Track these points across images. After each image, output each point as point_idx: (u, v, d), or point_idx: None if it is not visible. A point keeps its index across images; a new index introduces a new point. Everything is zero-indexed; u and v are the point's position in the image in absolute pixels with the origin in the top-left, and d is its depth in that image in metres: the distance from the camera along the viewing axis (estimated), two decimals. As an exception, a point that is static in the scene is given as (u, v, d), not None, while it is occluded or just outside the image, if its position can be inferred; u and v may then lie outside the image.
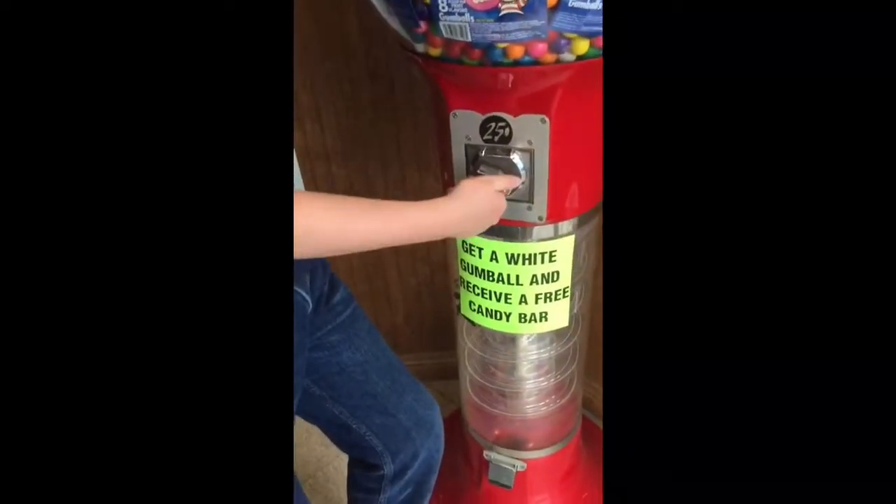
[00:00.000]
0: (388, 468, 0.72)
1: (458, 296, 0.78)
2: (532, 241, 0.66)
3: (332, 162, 1.04)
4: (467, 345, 0.86)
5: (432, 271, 1.20)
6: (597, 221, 0.71)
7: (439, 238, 0.51)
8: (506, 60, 0.51)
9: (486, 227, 0.56)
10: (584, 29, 0.47)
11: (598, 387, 1.20)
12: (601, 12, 0.46)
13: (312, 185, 1.06)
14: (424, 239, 0.48)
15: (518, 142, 0.57)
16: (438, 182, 0.98)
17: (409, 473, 0.74)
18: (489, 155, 0.59)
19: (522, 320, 0.72)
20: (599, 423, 1.20)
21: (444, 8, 0.46)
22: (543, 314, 0.72)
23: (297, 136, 1.00)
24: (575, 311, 0.77)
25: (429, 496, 0.80)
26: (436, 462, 0.76)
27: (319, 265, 0.63)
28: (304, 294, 0.58)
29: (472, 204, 0.51)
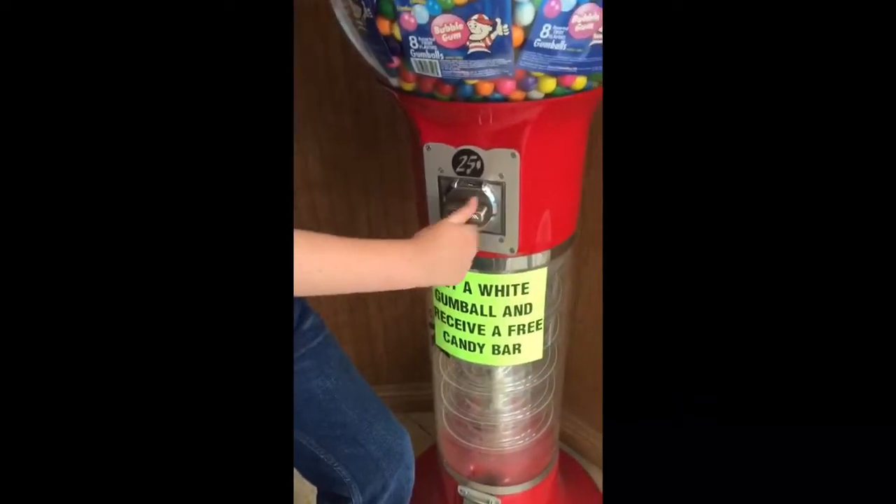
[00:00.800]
0: (357, 499, 0.70)
1: (432, 326, 0.77)
2: (505, 272, 0.66)
3: (315, 189, 1.05)
4: (443, 377, 0.85)
5: (412, 302, 1.20)
6: (570, 254, 0.72)
7: (413, 285, 0.50)
8: (476, 96, 0.52)
9: (468, 259, 0.55)
10: (551, 68, 0.49)
11: (578, 421, 1.18)
12: (568, 52, 0.48)
13: (295, 214, 1.07)
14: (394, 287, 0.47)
15: (489, 174, 0.58)
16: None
17: None
18: (461, 187, 0.60)
19: (496, 352, 0.72)
20: (579, 459, 1.18)
21: (414, 45, 0.47)
22: (517, 346, 0.72)
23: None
24: (549, 343, 0.77)
25: None
26: (406, 493, 0.74)
27: None
28: None
29: (438, 245, 0.52)
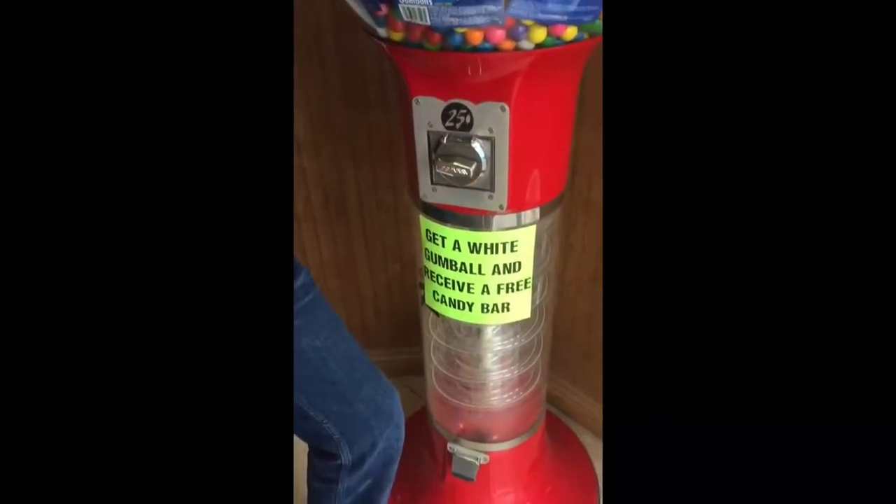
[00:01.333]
0: (346, 457, 0.71)
1: (422, 286, 0.78)
2: (494, 230, 0.66)
3: (304, 152, 1.04)
4: (433, 337, 0.86)
5: (403, 268, 1.20)
6: (559, 213, 0.72)
7: None
8: (466, 46, 0.51)
9: None
10: (542, 17, 0.48)
11: (565, 383, 1.21)
12: (559, 1, 0.47)
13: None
14: None
15: (479, 129, 0.58)
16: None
17: (368, 464, 0.73)
18: (451, 142, 0.59)
19: (485, 310, 0.73)
20: (565, 420, 1.21)
21: (403, -9, 0.46)
22: (506, 304, 0.72)
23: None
24: (538, 302, 0.77)
25: (389, 488, 0.80)
26: (395, 452, 0.76)
27: None
28: None
29: None
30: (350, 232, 1.14)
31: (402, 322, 1.28)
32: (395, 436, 0.75)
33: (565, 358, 1.16)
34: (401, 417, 0.75)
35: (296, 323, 0.64)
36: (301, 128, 1.01)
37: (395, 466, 0.78)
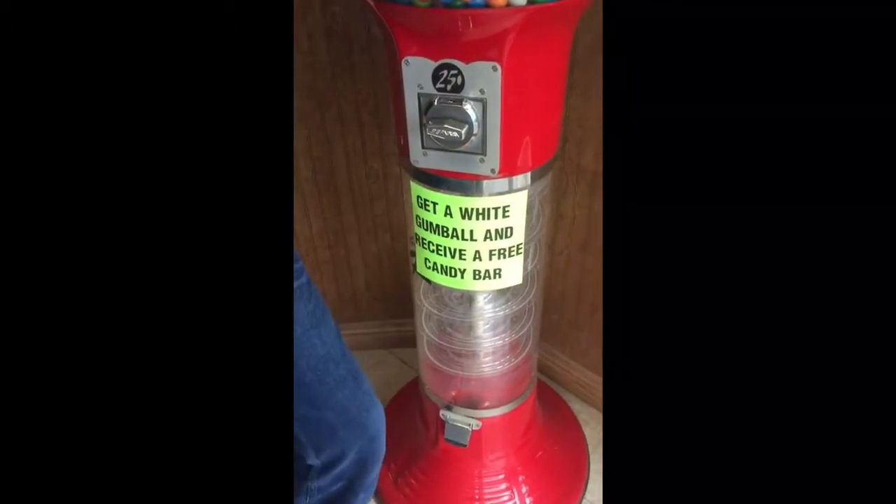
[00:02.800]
0: (313, 460, 0.68)
1: (413, 254, 0.78)
2: (486, 195, 0.66)
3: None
4: (424, 306, 0.86)
5: (393, 238, 1.20)
6: (550, 179, 0.72)
7: None
8: (456, 2, 0.50)
9: None
10: (534, -29, 0.47)
11: (555, 352, 1.22)
12: (551, -46, 0.46)
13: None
14: None
15: (470, 91, 0.57)
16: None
17: (339, 469, 0.69)
18: (442, 104, 0.58)
19: (477, 277, 0.73)
20: (555, 388, 1.23)
21: (391, -58, 0.45)
22: (498, 271, 0.72)
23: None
24: (529, 269, 0.78)
25: (366, 493, 0.76)
26: (371, 462, 0.71)
27: None
28: None
29: None
30: (339, 203, 1.12)
31: (393, 293, 1.28)
32: (369, 448, 0.70)
33: (555, 326, 1.17)
34: (378, 430, 0.70)
35: None
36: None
37: (373, 475, 0.73)
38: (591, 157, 0.93)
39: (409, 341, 1.17)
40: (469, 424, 0.91)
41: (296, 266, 0.61)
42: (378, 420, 0.70)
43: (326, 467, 0.69)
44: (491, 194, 0.66)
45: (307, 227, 1.15)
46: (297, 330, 0.61)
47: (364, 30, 0.93)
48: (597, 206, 0.97)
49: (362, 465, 0.71)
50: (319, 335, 0.63)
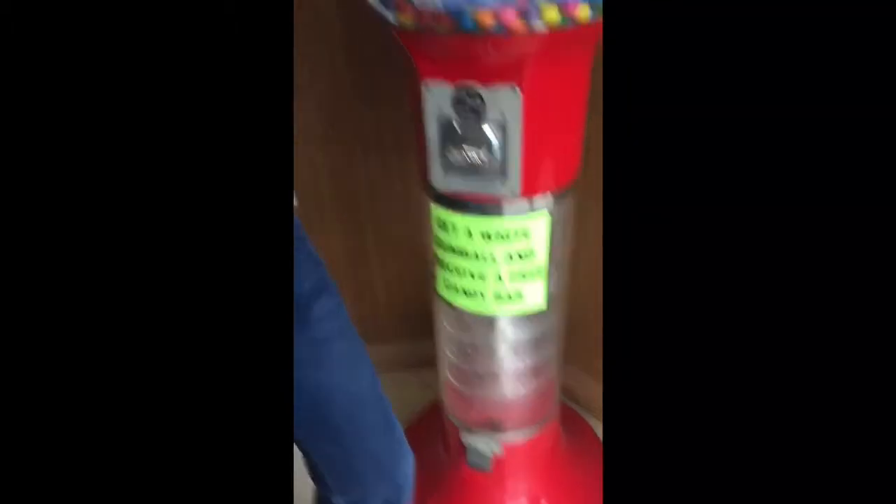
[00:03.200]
0: (337, 500, 0.65)
1: (434, 275, 0.77)
2: (507, 216, 0.66)
3: (313, 144, 1.03)
4: (445, 327, 0.86)
5: (414, 257, 1.20)
6: (571, 200, 0.71)
7: None
8: (477, 29, 0.50)
9: None
10: (554, -5, 0.47)
11: (579, 374, 1.20)
12: (571, -21, 0.46)
13: (295, 170, 1.05)
14: None
15: (491, 114, 0.57)
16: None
17: None
18: (462, 128, 0.59)
19: (498, 299, 0.72)
20: (579, 411, 1.20)
21: (412, -29, 0.46)
22: (519, 293, 0.72)
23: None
24: (552, 291, 0.77)
25: None
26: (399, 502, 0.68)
27: (306, 255, 0.56)
28: None
29: None
30: (360, 223, 1.13)
31: (414, 313, 1.28)
32: (395, 496, 0.67)
33: (579, 349, 1.15)
34: (407, 481, 0.67)
35: (305, 351, 0.54)
36: (312, 120, 1.01)
37: None
38: (614, 177, 0.92)
39: (431, 362, 1.17)
40: (491, 448, 0.90)
41: (332, 302, 0.59)
42: (407, 471, 0.67)
43: None
44: (511, 216, 0.65)
45: (328, 246, 1.16)
46: (335, 371, 0.58)
47: (385, 54, 0.94)
48: (620, 226, 0.96)
49: None
50: (354, 376, 0.60)
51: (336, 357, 0.58)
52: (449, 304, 0.77)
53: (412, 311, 1.27)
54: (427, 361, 1.27)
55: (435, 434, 1.06)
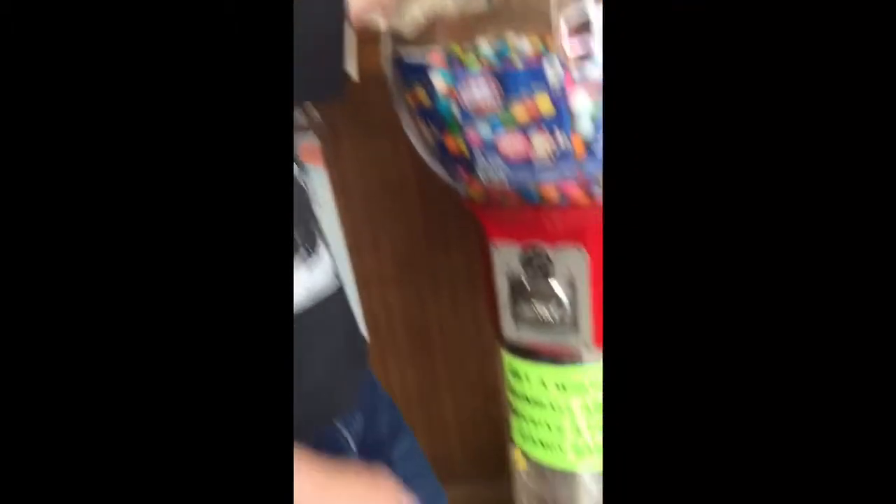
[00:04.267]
0: None
1: (508, 421, 0.76)
2: (582, 365, 0.65)
3: (388, 286, 1.09)
4: (522, 477, 0.81)
5: (486, 399, 1.18)
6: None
7: None
8: (541, 201, 0.55)
9: None
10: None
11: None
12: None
13: (368, 311, 1.11)
14: None
15: (559, 273, 0.59)
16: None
17: None
18: (532, 285, 0.61)
19: (578, 453, 0.69)
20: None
21: (482, 161, 0.51)
22: (601, 446, 0.68)
23: (355, 262, 1.07)
24: (635, 442, 0.72)
25: None
26: None
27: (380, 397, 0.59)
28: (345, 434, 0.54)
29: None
30: (434, 363, 1.15)
31: (487, 453, 1.22)
32: None
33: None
34: None
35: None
36: (387, 265, 1.08)
37: None
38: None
39: (507, 502, 1.09)
40: None
41: (410, 444, 0.59)
42: None
43: None
44: (587, 363, 0.65)
45: (401, 385, 1.17)
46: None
47: (456, 204, 1.02)
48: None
49: None
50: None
51: (417, 496, 0.56)
52: (526, 457, 0.74)
53: (486, 450, 1.22)
54: (503, 502, 1.19)
55: None
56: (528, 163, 0.49)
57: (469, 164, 0.53)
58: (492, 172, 0.52)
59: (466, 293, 1.08)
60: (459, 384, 1.16)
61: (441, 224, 1.04)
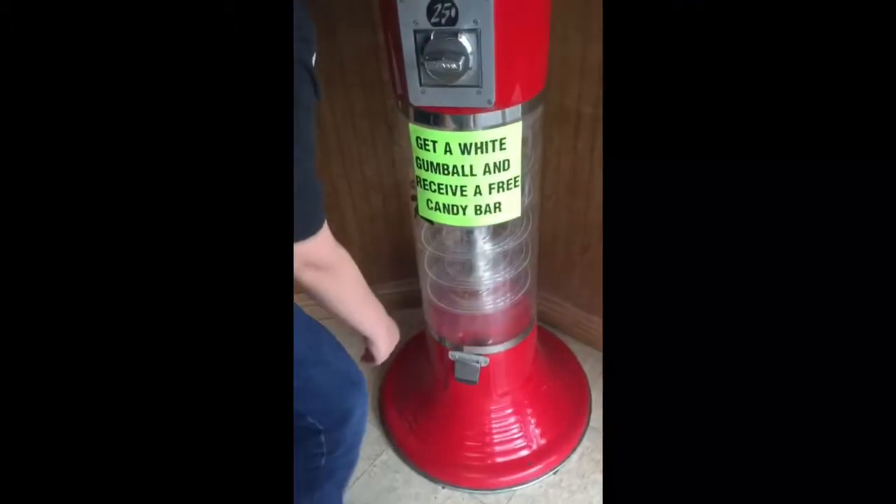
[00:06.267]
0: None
1: (414, 198, 0.81)
2: (483, 129, 0.69)
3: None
4: (427, 250, 0.90)
5: (385, 198, 1.22)
6: (540, 111, 0.76)
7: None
8: (449, -67, 0.53)
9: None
10: None
11: (549, 297, 1.28)
12: None
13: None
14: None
15: (464, 22, 0.60)
16: (390, 98, 1.00)
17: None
18: (437, 39, 0.61)
19: (478, 212, 0.77)
20: (554, 333, 1.29)
21: None
22: (497, 204, 0.76)
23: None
24: (526, 203, 0.82)
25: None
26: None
27: None
28: None
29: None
30: (330, 167, 1.15)
31: (389, 255, 1.31)
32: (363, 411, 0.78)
33: (547, 271, 1.22)
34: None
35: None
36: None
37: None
38: (574, 99, 0.97)
39: (409, 302, 1.21)
40: (477, 361, 0.96)
41: None
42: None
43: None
44: (487, 128, 0.69)
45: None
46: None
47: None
48: (581, 146, 1.02)
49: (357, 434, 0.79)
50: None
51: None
52: (430, 223, 0.81)
53: (389, 253, 1.31)
54: (408, 301, 1.31)
55: (420, 361, 1.12)
56: None
57: None
58: None
59: (359, 87, 1.06)
60: (357, 188, 1.19)
61: (327, 8, 0.97)
